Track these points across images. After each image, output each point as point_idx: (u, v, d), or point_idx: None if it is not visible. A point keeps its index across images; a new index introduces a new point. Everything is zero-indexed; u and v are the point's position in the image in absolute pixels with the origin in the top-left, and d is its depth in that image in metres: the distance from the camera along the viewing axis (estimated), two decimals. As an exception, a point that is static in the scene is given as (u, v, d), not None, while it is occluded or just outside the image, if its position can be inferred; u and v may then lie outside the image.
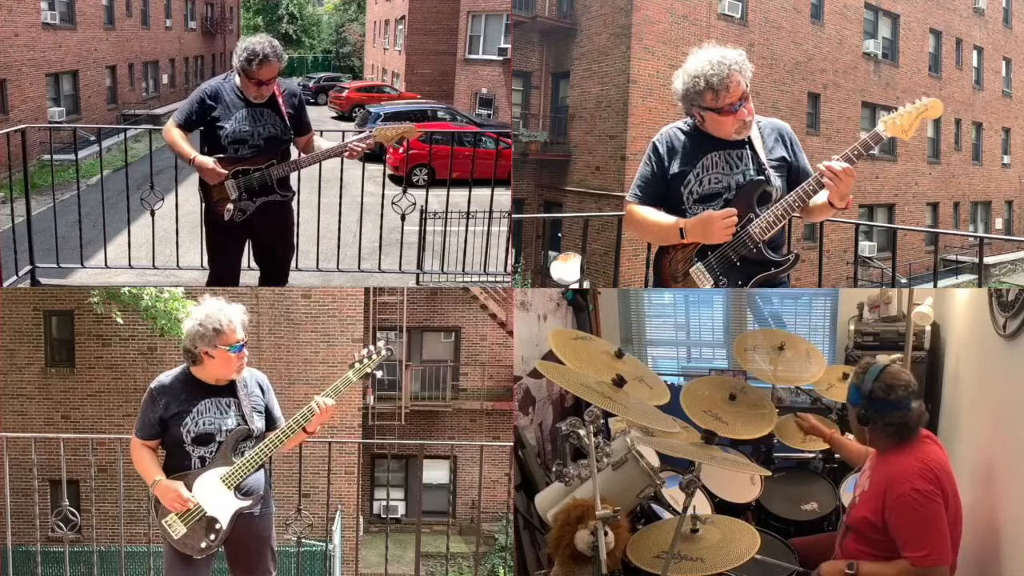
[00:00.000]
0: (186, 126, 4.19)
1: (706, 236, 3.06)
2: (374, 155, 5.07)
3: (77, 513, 4.84)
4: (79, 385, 12.12)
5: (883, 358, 5.44)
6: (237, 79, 4.16)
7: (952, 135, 22.99)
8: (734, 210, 3.03)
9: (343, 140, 4.34)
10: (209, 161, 4.11)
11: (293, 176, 4.39)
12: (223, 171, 4.12)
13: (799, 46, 18.55)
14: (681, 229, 3.06)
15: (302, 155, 4.33)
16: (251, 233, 4.40)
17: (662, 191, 3.18)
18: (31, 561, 9.27)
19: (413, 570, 4.86)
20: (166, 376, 3.14)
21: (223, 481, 3.05)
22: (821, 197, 3.07)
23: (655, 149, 3.19)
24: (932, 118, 3.00)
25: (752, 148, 3.12)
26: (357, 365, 3.19)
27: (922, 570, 2.93)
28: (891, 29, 20.95)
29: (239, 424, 3.10)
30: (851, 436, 4.39)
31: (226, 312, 3.07)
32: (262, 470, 3.20)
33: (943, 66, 22.35)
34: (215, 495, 3.05)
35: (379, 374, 3.26)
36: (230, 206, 4.20)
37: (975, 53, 23.36)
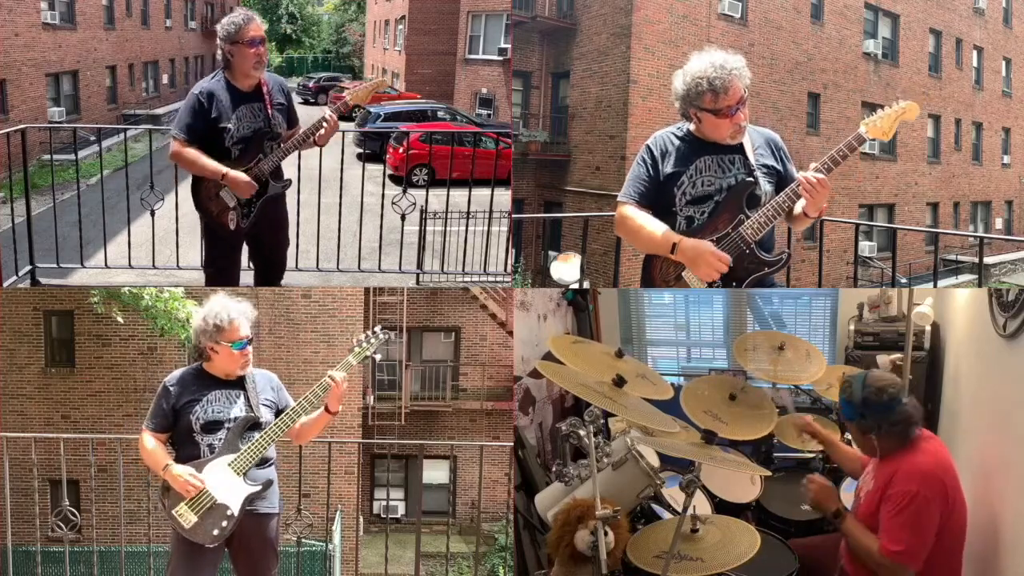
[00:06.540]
0: (194, 139, 3.97)
1: (692, 264, 3.10)
2: (374, 155, 5.07)
3: (77, 513, 4.85)
4: (79, 385, 12.12)
5: (883, 358, 5.48)
6: (223, 73, 4.03)
7: (952, 135, 22.98)
8: (728, 258, 3.07)
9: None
10: (243, 176, 3.96)
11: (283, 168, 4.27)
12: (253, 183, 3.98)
13: (799, 46, 18.54)
14: (675, 244, 3.10)
15: (283, 144, 4.12)
16: (254, 237, 4.30)
17: (655, 192, 3.20)
18: (31, 561, 9.25)
19: (413, 570, 4.86)
20: (179, 371, 3.23)
21: (231, 467, 3.08)
22: (799, 207, 3.13)
23: (648, 151, 3.24)
24: (909, 120, 3.10)
25: (743, 153, 3.18)
26: (356, 349, 3.23)
27: (889, 563, 2.97)
28: (891, 29, 20.95)
29: (246, 413, 3.15)
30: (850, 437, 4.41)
31: (229, 309, 3.14)
32: (273, 468, 3.23)
33: (943, 66, 22.35)
34: (224, 482, 3.08)
35: (378, 357, 3.30)
36: (232, 214, 4.05)
37: (975, 53, 23.36)
